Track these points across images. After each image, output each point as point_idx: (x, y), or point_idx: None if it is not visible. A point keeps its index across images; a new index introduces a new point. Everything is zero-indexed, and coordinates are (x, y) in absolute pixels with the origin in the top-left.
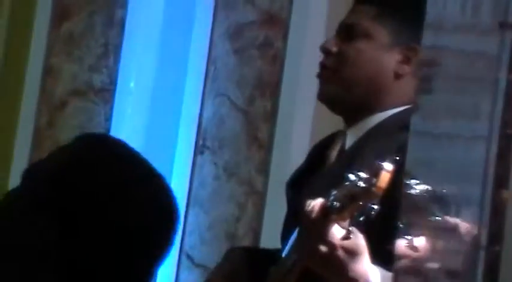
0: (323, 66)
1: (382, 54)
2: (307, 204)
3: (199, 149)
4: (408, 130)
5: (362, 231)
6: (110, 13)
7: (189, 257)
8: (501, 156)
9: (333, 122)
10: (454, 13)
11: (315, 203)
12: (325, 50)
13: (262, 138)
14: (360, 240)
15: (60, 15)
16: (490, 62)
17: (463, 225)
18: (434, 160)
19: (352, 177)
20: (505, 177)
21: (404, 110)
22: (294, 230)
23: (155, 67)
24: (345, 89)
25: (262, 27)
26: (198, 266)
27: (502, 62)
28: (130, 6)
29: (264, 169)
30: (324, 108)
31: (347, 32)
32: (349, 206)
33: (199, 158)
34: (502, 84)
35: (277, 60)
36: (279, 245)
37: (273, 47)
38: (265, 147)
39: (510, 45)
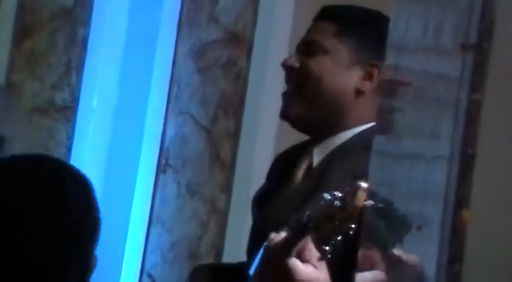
0: (286, 82)
1: (343, 70)
2: (269, 238)
3: (161, 168)
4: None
5: (340, 251)
6: (72, 31)
7: (150, 276)
8: (462, 176)
9: (296, 139)
10: (416, 34)
11: (277, 237)
12: (287, 66)
13: (225, 157)
14: (324, 276)
15: (22, 33)
16: (451, 82)
17: (408, 258)
18: (396, 180)
19: (327, 196)
20: (465, 197)
21: (370, 127)
22: (260, 246)
23: (118, 85)
24: (308, 106)
25: (226, 47)
26: None
27: (463, 82)
28: (93, 24)
29: (226, 188)
30: (286, 128)
31: (308, 48)
32: (325, 226)
33: (161, 176)
34: (463, 104)
35: (241, 79)
36: None
37: (236, 66)
38: (228, 166)
39: (471, 66)
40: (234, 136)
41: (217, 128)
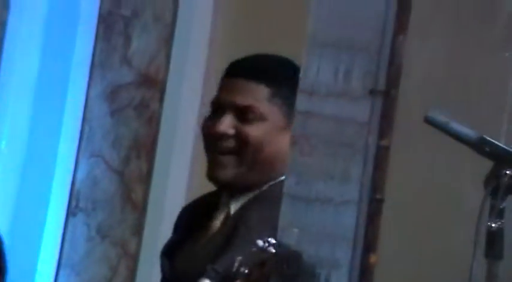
0: (222, 150)
1: (279, 135)
2: None
3: (72, 210)
4: None
5: None
6: None
7: None
8: (370, 220)
9: (208, 184)
10: (326, 80)
11: None
12: (219, 133)
13: (137, 200)
14: None
15: None
16: (360, 127)
17: None
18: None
19: (260, 243)
20: (373, 241)
21: (282, 180)
22: None
23: (28, 127)
24: (245, 171)
25: (139, 89)
26: None
27: (372, 127)
28: (3, 64)
29: (137, 231)
30: (198, 170)
31: (242, 113)
32: (258, 272)
33: (71, 219)
34: (372, 149)
35: (153, 122)
36: None
37: (149, 108)
38: (140, 208)
39: (379, 111)
40: (146, 178)
41: (129, 170)
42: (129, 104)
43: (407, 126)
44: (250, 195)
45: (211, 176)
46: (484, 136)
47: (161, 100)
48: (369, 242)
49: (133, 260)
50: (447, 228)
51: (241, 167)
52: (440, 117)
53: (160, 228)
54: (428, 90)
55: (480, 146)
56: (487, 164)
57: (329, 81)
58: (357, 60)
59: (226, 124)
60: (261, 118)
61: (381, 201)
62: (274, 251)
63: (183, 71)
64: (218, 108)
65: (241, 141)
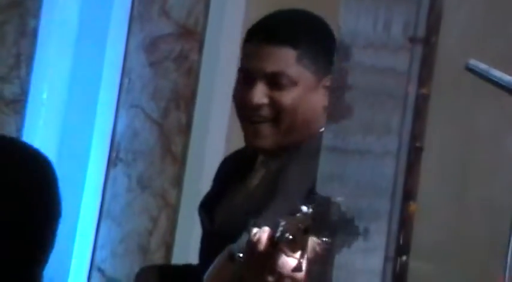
0: (257, 120)
1: (311, 96)
2: (252, 234)
3: (112, 161)
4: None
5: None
6: (22, 23)
7: (100, 270)
8: (410, 169)
9: None
10: (365, 30)
11: (262, 233)
12: (255, 105)
13: (176, 151)
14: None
15: None
16: (399, 77)
17: None
18: (345, 175)
19: (304, 208)
20: (413, 190)
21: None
22: (213, 250)
23: (68, 78)
24: (283, 136)
25: (178, 40)
26: (109, 279)
27: (411, 76)
28: (43, 16)
29: (177, 182)
30: (237, 122)
31: (273, 81)
32: (302, 239)
33: (112, 170)
34: (411, 98)
35: (193, 73)
36: (191, 259)
37: (188, 60)
38: (179, 160)
39: (419, 60)
40: (186, 130)
41: (168, 121)
42: (168, 56)
43: (448, 75)
44: (290, 152)
45: (249, 144)
46: None
47: (200, 51)
48: (408, 191)
49: (174, 211)
50: (488, 176)
51: (278, 134)
52: (482, 65)
53: (200, 179)
54: (469, 40)
55: None
56: None
57: (368, 31)
58: (396, 8)
59: (259, 94)
60: (292, 83)
61: (420, 150)
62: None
63: (221, 22)
64: (247, 75)
65: (276, 109)
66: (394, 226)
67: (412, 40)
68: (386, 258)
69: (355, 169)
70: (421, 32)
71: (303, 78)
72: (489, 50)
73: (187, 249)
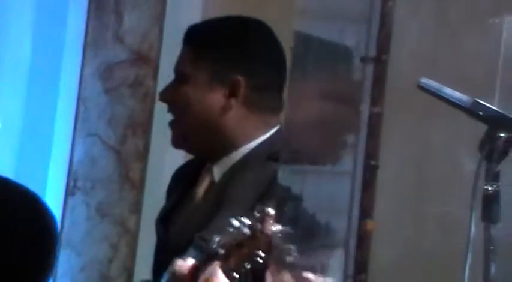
0: (171, 119)
1: (204, 95)
2: (174, 264)
3: (70, 190)
4: (272, 160)
5: (250, 279)
6: None
7: None
8: (365, 187)
9: None
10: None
11: (184, 264)
12: (163, 100)
13: (134, 178)
14: None
15: None
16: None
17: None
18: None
19: (236, 223)
20: (369, 207)
21: (263, 142)
22: (165, 265)
23: (23, 107)
24: (188, 133)
25: (133, 66)
26: None
27: (364, 95)
28: None
29: (136, 209)
30: None
31: (176, 78)
32: (235, 254)
33: (70, 199)
34: (365, 117)
35: (148, 99)
36: None
37: (143, 86)
38: (138, 186)
39: (371, 78)
40: (143, 156)
41: (126, 148)
42: (123, 82)
43: (400, 94)
44: (229, 160)
45: (171, 142)
46: (477, 100)
47: (155, 77)
48: (364, 209)
49: (133, 237)
50: (443, 193)
51: (183, 129)
52: (433, 83)
53: (159, 205)
54: (420, 58)
55: (473, 110)
56: (481, 128)
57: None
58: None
59: (168, 91)
60: (185, 81)
61: (375, 168)
62: (249, 232)
63: (176, 47)
64: None
65: (175, 104)
66: (352, 244)
67: (363, 59)
68: (345, 277)
69: (312, 188)
70: (372, 51)
71: (194, 77)
72: (440, 68)
73: (148, 275)
